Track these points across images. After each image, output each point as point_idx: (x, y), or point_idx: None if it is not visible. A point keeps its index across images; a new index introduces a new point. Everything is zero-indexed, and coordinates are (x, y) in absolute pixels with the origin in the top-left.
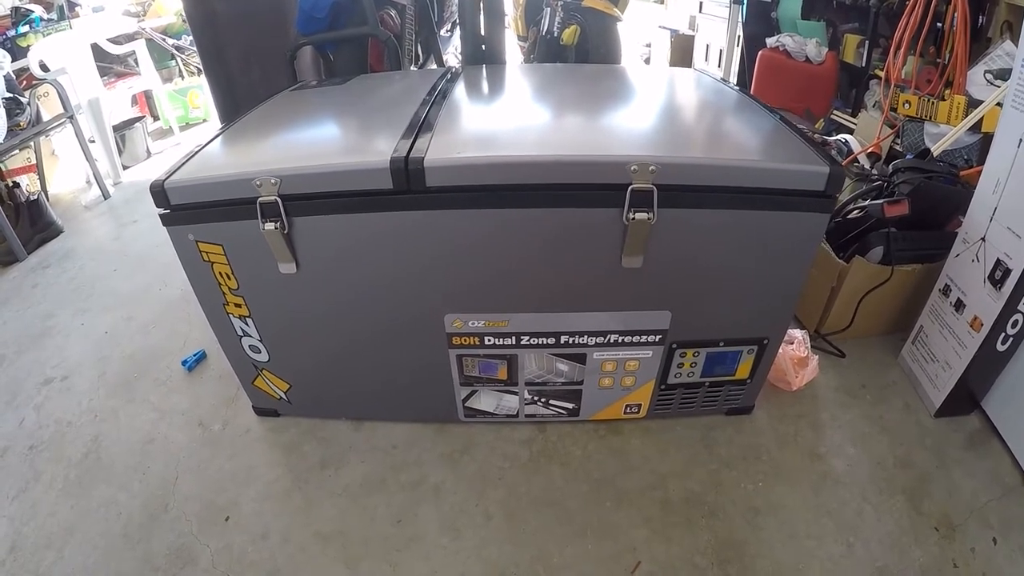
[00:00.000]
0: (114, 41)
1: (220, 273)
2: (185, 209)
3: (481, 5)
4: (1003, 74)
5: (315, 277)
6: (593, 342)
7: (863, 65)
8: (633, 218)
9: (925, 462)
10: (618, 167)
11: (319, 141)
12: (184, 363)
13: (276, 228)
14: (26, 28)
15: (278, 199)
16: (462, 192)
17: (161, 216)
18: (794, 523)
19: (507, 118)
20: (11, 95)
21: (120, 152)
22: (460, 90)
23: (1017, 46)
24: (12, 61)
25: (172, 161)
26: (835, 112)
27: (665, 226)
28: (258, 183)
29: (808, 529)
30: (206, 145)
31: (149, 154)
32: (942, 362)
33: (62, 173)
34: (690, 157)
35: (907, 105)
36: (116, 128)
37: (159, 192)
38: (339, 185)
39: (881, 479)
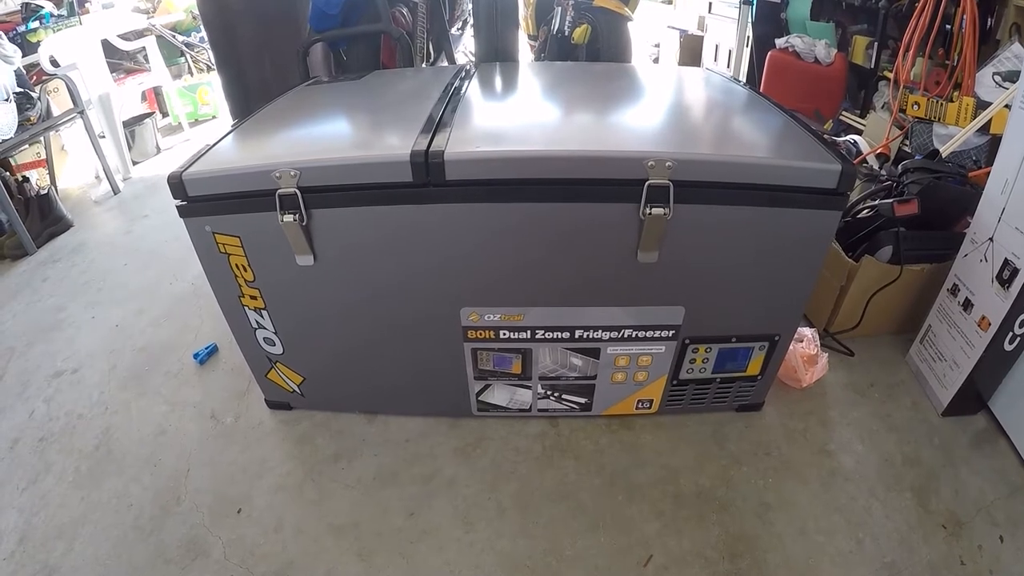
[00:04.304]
0: (124, 37)
1: (236, 265)
2: (203, 201)
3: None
4: (1011, 76)
5: (332, 269)
6: (607, 336)
7: (872, 66)
8: (650, 213)
9: (933, 460)
10: (635, 163)
11: (337, 135)
12: (196, 356)
13: (295, 220)
14: (36, 24)
15: (297, 191)
16: (481, 186)
17: (178, 208)
18: (804, 518)
19: (524, 115)
20: (21, 90)
21: (130, 148)
22: (475, 87)
23: None
24: (22, 56)
25: (182, 157)
26: (844, 113)
27: (680, 222)
28: (277, 175)
29: (818, 524)
30: (223, 138)
31: (158, 150)
32: (950, 361)
33: (72, 168)
34: (705, 154)
35: (916, 106)
36: (126, 124)
37: (177, 184)
38: (359, 178)
39: (889, 476)
